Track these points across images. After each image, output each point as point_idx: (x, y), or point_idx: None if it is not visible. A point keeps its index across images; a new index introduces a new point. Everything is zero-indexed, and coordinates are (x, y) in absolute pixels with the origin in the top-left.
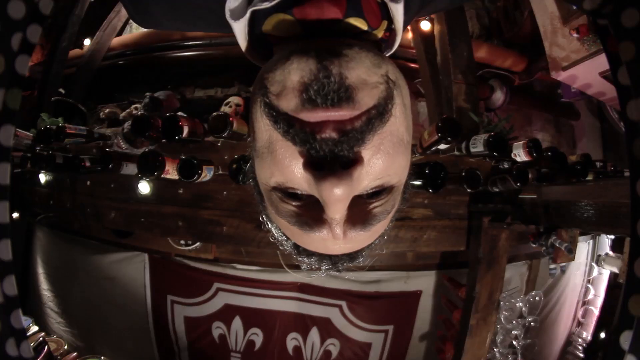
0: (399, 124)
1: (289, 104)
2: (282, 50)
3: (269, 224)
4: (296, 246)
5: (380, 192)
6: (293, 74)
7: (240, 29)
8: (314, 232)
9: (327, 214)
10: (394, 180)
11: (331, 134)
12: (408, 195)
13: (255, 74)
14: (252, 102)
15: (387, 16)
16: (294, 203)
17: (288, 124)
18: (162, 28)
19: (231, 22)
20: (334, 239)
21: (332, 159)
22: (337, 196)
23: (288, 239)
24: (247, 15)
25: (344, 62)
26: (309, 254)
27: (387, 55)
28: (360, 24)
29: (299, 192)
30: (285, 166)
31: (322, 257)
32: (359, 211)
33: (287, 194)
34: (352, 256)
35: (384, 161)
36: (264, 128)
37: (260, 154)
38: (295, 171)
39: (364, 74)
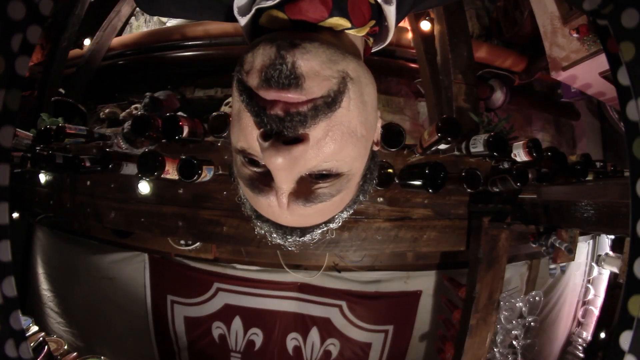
0: (351, 116)
1: (253, 81)
2: (258, 38)
3: (238, 187)
4: (254, 210)
5: (327, 175)
6: (258, 58)
7: (245, 24)
8: (262, 196)
9: (275, 182)
10: (344, 168)
11: (278, 112)
12: (368, 188)
13: None
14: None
15: (378, 15)
16: (252, 168)
17: (249, 97)
18: (169, 16)
19: (238, 17)
20: (279, 206)
21: (277, 133)
22: (275, 165)
23: (248, 203)
24: (252, 12)
25: (299, 53)
26: (264, 220)
27: (379, 47)
28: (343, 22)
29: (256, 158)
30: (247, 133)
31: (275, 225)
32: (305, 188)
33: (249, 160)
34: (303, 230)
35: (331, 147)
36: (237, 99)
37: (233, 120)
38: (254, 139)
39: (317, 66)
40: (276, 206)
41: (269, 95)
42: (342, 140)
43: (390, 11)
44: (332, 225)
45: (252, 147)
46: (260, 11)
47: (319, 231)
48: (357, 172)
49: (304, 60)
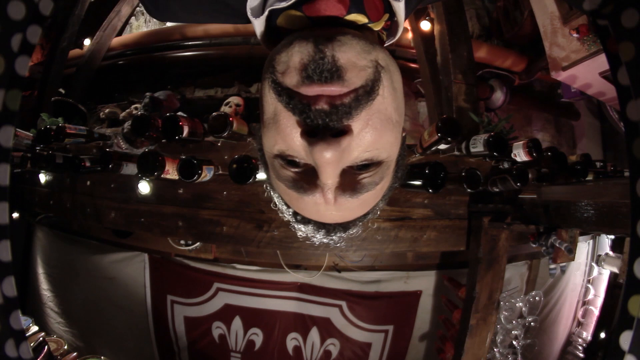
0: (387, 103)
1: (291, 80)
2: (287, 38)
3: (272, 193)
4: (295, 214)
5: (369, 165)
6: (295, 56)
7: (259, 25)
8: (308, 195)
9: (320, 179)
10: (383, 155)
11: (323, 106)
12: (401, 174)
13: (254, 74)
14: (262, 81)
15: (389, 9)
16: (293, 169)
17: (289, 97)
18: (178, 21)
19: (252, 19)
20: (325, 203)
21: (324, 127)
22: (326, 159)
23: (288, 207)
24: (266, 13)
25: (336, 47)
26: (306, 221)
27: (391, 41)
28: (361, 18)
29: (297, 159)
30: (286, 134)
31: (317, 225)
32: (350, 180)
33: (287, 161)
34: (345, 226)
35: (372, 135)
36: (271, 101)
37: (266, 124)
38: (294, 139)
39: (354, 58)
40: (322, 203)
41: (312, 90)
42: (382, 128)
43: (400, 7)
44: (370, 216)
45: (292, 148)
46: (273, 12)
47: (360, 224)
48: (393, 159)
49: (341, 52)
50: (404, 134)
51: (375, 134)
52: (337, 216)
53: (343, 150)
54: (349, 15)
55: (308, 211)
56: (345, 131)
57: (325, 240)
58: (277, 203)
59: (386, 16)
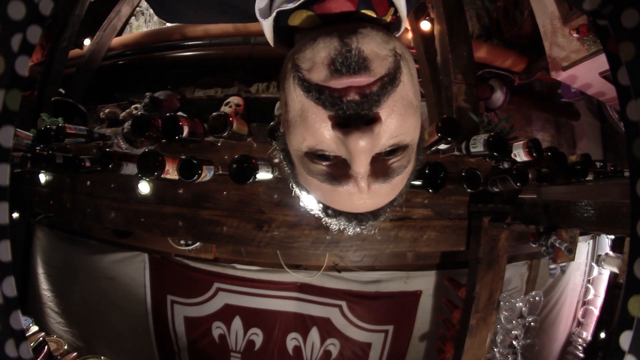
0: (407, 89)
1: (319, 75)
2: (306, 36)
3: (299, 191)
4: (325, 208)
5: (396, 149)
6: (321, 51)
7: (267, 25)
8: (342, 185)
9: (353, 169)
10: (408, 139)
11: (354, 97)
12: (422, 157)
13: (254, 74)
14: (283, 81)
15: (393, 4)
16: (323, 163)
17: (319, 92)
18: (185, 22)
19: (261, 20)
20: (359, 192)
21: (356, 117)
22: (361, 147)
23: (317, 202)
24: (274, 14)
25: (360, 39)
26: (337, 214)
27: (396, 35)
28: (370, 13)
29: (327, 153)
30: (316, 129)
31: (349, 216)
32: (380, 167)
33: (317, 156)
34: (375, 214)
35: (397, 120)
36: (297, 99)
37: (292, 122)
38: (324, 133)
39: (376, 48)
40: (356, 192)
41: (342, 83)
42: (405, 113)
43: (401, 2)
44: (397, 202)
45: (323, 142)
46: (281, 13)
47: (388, 209)
48: (416, 142)
49: (365, 44)
50: (422, 118)
51: (400, 119)
52: (370, 204)
53: (375, 137)
54: (359, 10)
55: (342, 203)
56: (375, 119)
57: (357, 230)
58: (303, 201)
59: (392, 10)
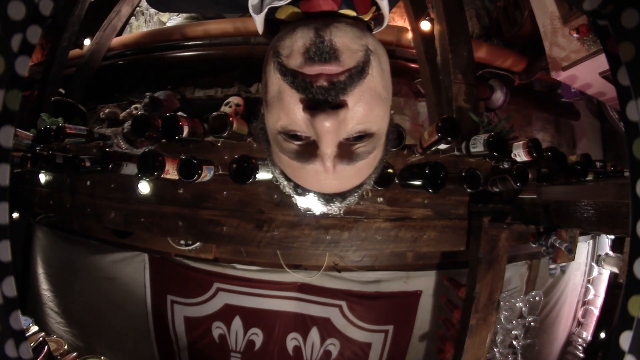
0: (376, 82)
1: (295, 62)
2: (289, 27)
3: (273, 169)
4: (296, 186)
5: (362, 136)
6: (298, 41)
7: (259, 19)
8: (309, 163)
9: (320, 149)
10: (374, 128)
11: (323, 83)
12: (389, 149)
13: (254, 74)
14: (265, 65)
15: (375, 3)
16: (295, 142)
17: (294, 77)
18: (177, 11)
19: (253, 15)
20: (325, 172)
21: (324, 102)
22: (326, 128)
23: (289, 180)
24: (265, 10)
25: (333, 32)
26: (306, 192)
27: (379, 29)
28: (351, 12)
29: (299, 133)
30: (290, 110)
31: (317, 195)
32: (346, 151)
33: (290, 135)
34: (342, 195)
35: (364, 108)
36: (275, 82)
37: (270, 103)
38: (297, 114)
39: (348, 42)
40: (322, 172)
41: (313, 70)
42: (372, 102)
43: (383, 1)
44: (364, 187)
45: (295, 122)
46: (271, 9)
47: (356, 194)
48: (383, 132)
49: (337, 37)
50: (392, 112)
51: (367, 107)
52: (336, 184)
53: (340, 121)
54: (341, 9)
55: (309, 181)
56: (341, 105)
57: (325, 209)
58: (277, 178)
59: (373, 8)
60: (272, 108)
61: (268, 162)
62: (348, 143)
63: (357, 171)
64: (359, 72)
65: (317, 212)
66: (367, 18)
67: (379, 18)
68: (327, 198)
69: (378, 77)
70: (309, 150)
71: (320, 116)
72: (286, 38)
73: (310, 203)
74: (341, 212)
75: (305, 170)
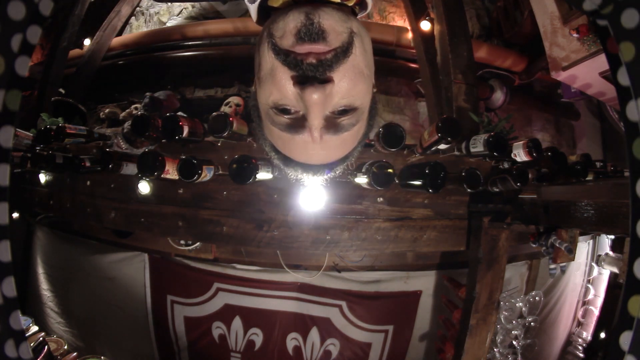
0: (359, 61)
1: (287, 42)
2: (281, 11)
3: (264, 143)
4: (285, 158)
5: (347, 110)
6: (290, 23)
7: (254, 8)
8: (299, 134)
9: (308, 120)
10: (358, 102)
11: (312, 60)
12: (373, 124)
13: (253, 75)
14: (259, 45)
15: None
16: (285, 116)
17: (286, 55)
18: (171, 0)
19: (248, 4)
20: (313, 142)
21: (312, 77)
22: (314, 99)
23: (279, 153)
24: (259, 0)
25: (321, 15)
26: (294, 165)
27: (363, 13)
28: None
29: (289, 107)
30: (282, 85)
31: (304, 166)
32: (332, 123)
33: (281, 109)
34: (330, 167)
35: (348, 84)
36: (269, 60)
37: (263, 79)
38: (288, 89)
39: (334, 24)
40: (310, 142)
41: (303, 49)
42: (355, 79)
43: None
44: (349, 160)
45: (286, 97)
46: None
47: (341, 166)
48: (366, 107)
49: (325, 20)
50: (374, 90)
51: (351, 83)
52: (323, 155)
53: (327, 95)
54: None
55: (298, 151)
56: (328, 80)
57: (313, 180)
58: (268, 151)
59: None
60: (265, 84)
61: (259, 136)
62: (333, 116)
63: (342, 142)
64: (343, 52)
65: (306, 184)
66: (351, 3)
67: (362, 3)
68: (315, 170)
69: (361, 56)
70: (298, 122)
71: (309, 89)
72: (279, 21)
73: (299, 174)
74: (328, 181)
75: (295, 141)
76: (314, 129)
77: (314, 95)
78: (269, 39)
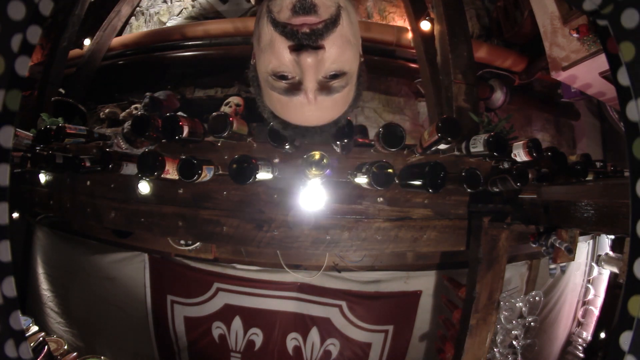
0: (346, 30)
1: (284, 15)
2: None
3: (263, 109)
4: (283, 122)
5: (337, 75)
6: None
7: None
8: (295, 96)
9: (304, 84)
10: (347, 67)
11: (306, 30)
12: (361, 89)
13: None
14: (258, 20)
15: None
16: (283, 82)
17: (283, 27)
18: None
19: None
20: (308, 103)
21: (306, 44)
22: (309, 63)
23: (277, 118)
24: None
25: None
26: (291, 127)
27: None
28: None
29: (286, 73)
30: (280, 54)
31: (300, 128)
32: (324, 86)
33: (279, 76)
34: (321, 129)
35: (337, 51)
36: (268, 33)
37: (263, 50)
38: (285, 57)
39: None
40: (305, 103)
41: (298, 20)
42: (343, 46)
43: None
44: (341, 122)
45: (283, 64)
46: None
47: (334, 128)
48: (354, 72)
49: None
50: (362, 59)
51: (339, 50)
52: (317, 115)
53: (319, 60)
54: None
55: (294, 113)
56: (320, 47)
57: (305, 138)
58: (267, 118)
59: None
60: (264, 54)
61: (259, 104)
62: (325, 80)
63: (334, 103)
64: (332, 22)
65: (298, 143)
66: None
67: None
68: (312, 132)
69: (347, 27)
70: (294, 87)
71: (304, 54)
72: None
73: (297, 135)
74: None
75: (292, 103)
76: (309, 91)
77: (309, 59)
78: (268, 14)
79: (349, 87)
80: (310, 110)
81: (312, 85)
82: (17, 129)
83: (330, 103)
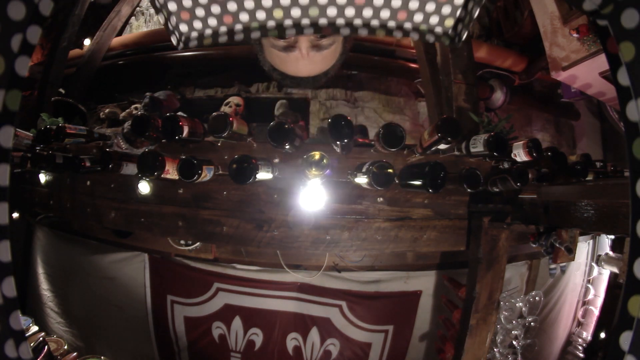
0: None
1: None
2: None
3: (264, 63)
4: (281, 73)
5: (325, 35)
6: None
7: None
8: (292, 52)
9: (298, 44)
10: None
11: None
12: (348, 46)
13: (254, 74)
14: None
15: None
16: (282, 41)
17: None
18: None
19: None
20: (302, 57)
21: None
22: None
23: (276, 70)
24: None
25: None
26: (289, 78)
27: None
28: None
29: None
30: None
31: (296, 78)
32: (315, 44)
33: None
34: (314, 78)
35: None
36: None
37: None
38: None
39: None
40: (300, 57)
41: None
42: None
43: None
44: (329, 74)
45: None
46: None
47: (324, 79)
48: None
49: None
50: None
51: None
52: (310, 67)
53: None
54: None
55: (291, 65)
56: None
57: (300, 87)
58: (268, 70)
59: None
60: None
61: (260, 59)
62: (316, 39)
63: (323, 58)
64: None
65: (295, 90)
66: None
67: None
68: (307, 80)
69: None
70: (291, 45)
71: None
72: None
73: (290, 83)
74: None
75: (289, 58)
76: (303, 48)
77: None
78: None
79: (335, 45)
80: (304, 63)
81: (305, 45)
82: (17, 129)
83: (320, 58)
